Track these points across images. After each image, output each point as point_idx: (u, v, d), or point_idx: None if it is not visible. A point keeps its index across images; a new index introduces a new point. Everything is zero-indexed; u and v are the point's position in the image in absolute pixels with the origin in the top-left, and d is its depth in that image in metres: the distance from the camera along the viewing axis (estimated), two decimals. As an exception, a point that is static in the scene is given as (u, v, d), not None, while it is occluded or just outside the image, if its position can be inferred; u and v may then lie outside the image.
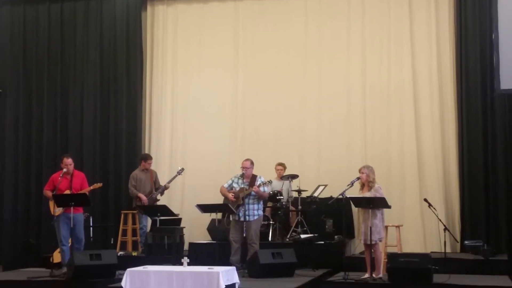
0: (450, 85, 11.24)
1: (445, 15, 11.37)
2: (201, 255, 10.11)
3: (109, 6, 12.64)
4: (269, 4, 12.24)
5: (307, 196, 10.85)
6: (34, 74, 12.69)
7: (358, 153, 11.44)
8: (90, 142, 12.37)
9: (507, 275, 8.83)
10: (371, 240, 8.37)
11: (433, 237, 10.47)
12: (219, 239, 10.35)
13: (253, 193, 9.40)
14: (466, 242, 10.38)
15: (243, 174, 9.60)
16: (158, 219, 9.86)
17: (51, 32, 12.73)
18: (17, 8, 12.84)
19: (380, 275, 8.53)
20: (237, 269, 8.08)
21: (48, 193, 9.53)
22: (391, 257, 8.49)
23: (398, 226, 9.60)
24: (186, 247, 10.65)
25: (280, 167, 11.13)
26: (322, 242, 10.18)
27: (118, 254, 9.92)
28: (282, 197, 10.72)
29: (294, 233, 10.56)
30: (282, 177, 10.98)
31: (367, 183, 8.62)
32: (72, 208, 9.08)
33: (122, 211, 11.56)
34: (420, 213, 10.96)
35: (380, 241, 8.66)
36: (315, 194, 10.77)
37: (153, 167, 11.32)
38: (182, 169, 11.11)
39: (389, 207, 8.56)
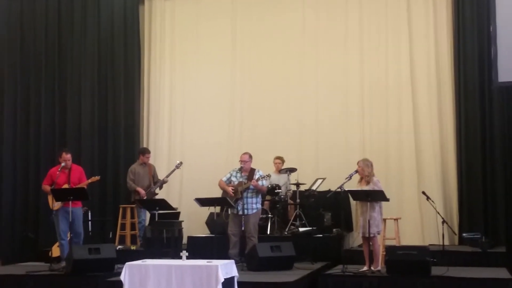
0: (448, 78, 11.23)
1: (443, 8, 11.35)
2: (200, 248, 10.08)
3: (107, 1, 12.60)
4: (266, -3, 12.24)
5: (306, 190, 10.84)
6: (31, 69, 12.63)
7: (356, 146, 11.45)
8: (88, 136, 12.35)
9: (505, 267, 8.83)
10: (369, 233, 8.38)
11: (431, 229, 10.45)
12: (218, 233, 10.39)
13: (251, 186, 9.40)
14: (464, 234, 10.42)
15: (241, 167, 9.59)
16: (156, 213, 9.89)
17: (48, 27, 12.67)
18: (15, 2, 12.76)
19: (379, 268, 8.54)
20: (236, 263, 8.06)
21: (46, 187, 9.50)
22: (390, 250, 8.50)
23: (396, 219, 9.62)
24: (184, 240, 10.63)
25: (278, 161, 11.14)
26: (321, 235, 10.20)
27: (117, 248, 9.91)
28: (280, 190, 10.73)
29: (292, 227, 10.57)
30: (280, 171, 11.00)
31: (364, 177, 8.64)
32: (70, 202, 9.05)
33: (121, 205, 11.57)
34: (418, 206, 10.97)
35: (379, 234, 8.67)
36: (314, 188, 10.77)
37: (151, 161, 11.32)
38: (181, 163, 11.09)
39: (387, 200, 8.56)
